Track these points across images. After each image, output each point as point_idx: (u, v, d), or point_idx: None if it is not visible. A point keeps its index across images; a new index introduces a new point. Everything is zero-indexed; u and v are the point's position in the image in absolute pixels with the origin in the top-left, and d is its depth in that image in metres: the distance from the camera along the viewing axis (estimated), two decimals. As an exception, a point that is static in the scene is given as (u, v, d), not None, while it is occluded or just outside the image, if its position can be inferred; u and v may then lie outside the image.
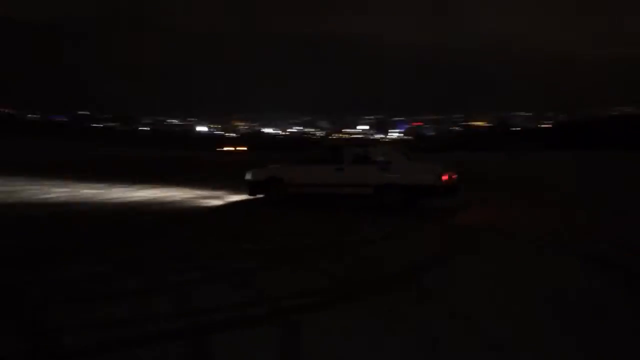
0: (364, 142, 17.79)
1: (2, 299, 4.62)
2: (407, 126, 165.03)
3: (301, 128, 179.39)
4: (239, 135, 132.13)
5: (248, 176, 11.90)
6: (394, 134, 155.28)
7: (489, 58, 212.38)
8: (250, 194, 11.96)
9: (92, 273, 5.47)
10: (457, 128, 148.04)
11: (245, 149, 61.14)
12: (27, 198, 12.39)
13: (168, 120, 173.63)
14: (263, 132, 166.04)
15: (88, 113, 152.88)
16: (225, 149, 59.23)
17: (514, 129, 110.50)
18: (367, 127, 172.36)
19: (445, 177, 10.36)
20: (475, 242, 7.59)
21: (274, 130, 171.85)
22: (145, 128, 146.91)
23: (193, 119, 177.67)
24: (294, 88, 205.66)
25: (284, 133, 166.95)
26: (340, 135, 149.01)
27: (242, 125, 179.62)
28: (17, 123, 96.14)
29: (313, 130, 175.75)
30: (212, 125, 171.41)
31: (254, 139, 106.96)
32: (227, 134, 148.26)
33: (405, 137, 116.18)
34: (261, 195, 11.81)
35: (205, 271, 5.67)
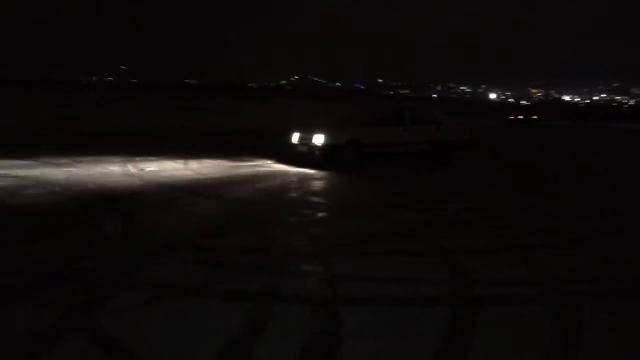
0: (418, 104, 17.13)
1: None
2: None
3: (605, 95, 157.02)
4: (528, 104, 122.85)
5: (320, 139, 11.13)
6: None
7: None
8: (324, 159, 11.13)
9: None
10: None
11: (536, 117, 56.44)
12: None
13: (460, 88, 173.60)
14: (561, 99, 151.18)
15: (381, 80, 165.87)
16: (513, 117, 55.69)
17: None
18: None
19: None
20: None
21: (573, 98, 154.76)
22: (434, 95, 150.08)
23: (483, 86, 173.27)
24: (603, 51, 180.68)
25: (585, 101, 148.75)
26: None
27: (538, 92, 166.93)
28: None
29: (622, 97, 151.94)
30: (507, 93, 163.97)
31: (548, 107, 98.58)
32: (521, 102, 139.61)
33: None
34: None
35: (487, 242, 5.54)
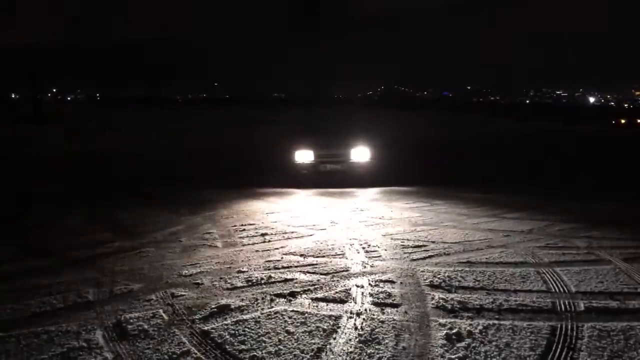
0: None
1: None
2: None
3: None
4: (629, 107, 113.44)
5: (364, 154, 10.51)
6: None
7: None
8: (364, 174, 10.34)
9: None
10: None
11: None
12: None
13: (556, 92, 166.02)
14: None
15: (469, 87, 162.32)
16: (615, 121, 52.22)
17: None
18: None
19: None
20: None
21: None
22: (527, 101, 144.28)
23: (581, 90, 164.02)
24: None
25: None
26: None
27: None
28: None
29: None
30: (607, 96, 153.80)
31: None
32: (623, 105, 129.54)
33: None
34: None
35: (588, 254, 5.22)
